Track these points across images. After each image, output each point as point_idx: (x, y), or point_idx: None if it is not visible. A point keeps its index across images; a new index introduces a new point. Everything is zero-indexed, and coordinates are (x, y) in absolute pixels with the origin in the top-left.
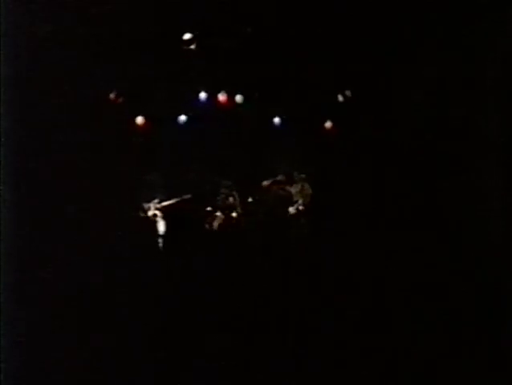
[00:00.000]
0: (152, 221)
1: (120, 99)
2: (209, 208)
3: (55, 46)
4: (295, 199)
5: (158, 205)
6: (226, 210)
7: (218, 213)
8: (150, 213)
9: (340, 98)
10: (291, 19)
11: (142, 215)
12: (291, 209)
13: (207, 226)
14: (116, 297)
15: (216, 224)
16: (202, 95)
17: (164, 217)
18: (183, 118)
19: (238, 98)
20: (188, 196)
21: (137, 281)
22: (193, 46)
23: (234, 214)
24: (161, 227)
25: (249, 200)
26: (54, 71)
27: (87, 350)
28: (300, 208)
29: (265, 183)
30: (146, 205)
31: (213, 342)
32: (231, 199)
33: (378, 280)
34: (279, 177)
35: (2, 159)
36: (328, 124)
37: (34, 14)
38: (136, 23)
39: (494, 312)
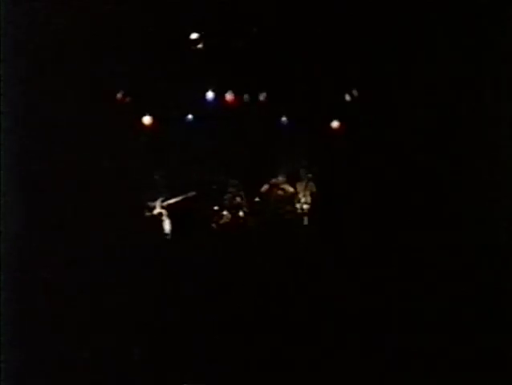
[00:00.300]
0: (158, 220)
1: (127, 99)
2: (216, 208)
3: (62, 46)
4: (299, 197)
5: (163, 204)
6: (233, 209)
7: (225, 212)
8: (155, 212)
9: (347, 97)
10: (298, 20)
11: (148, 214)
12: (296, 207)
13: (214, 225)
14: (120, 297)
15: (223, 223)
16: (209, 95)
17: (169, 216)
18: (190, 117)
19: (245, 97)
20: (193, 193)
21: (142, 281)
22: (199, 46)
23: (241, 213)
24: (167, 226)
25: (256, 199)
26: (61, 71)
27: (87, 349)
28: (304, 206)
29: (263, 188)
30: (151, 204)
31: (218, 340)
32: (238, 198)
33: (378, 279)
34: (275, 180)
35: (4, 159)
36: (335, 124)
37: (41, 14)
38: (143, 23)
39: (494, 312)
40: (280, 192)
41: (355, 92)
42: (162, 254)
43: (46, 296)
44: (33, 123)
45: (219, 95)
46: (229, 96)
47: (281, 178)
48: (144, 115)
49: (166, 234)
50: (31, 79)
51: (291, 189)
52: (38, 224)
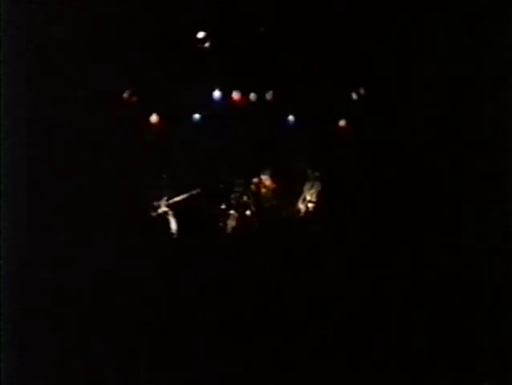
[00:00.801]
0: (164, 219)
1: (134, 98)
2: (223, 207)
3: (70, 46)
4: (304, 195)
5: (168, 202)
6: (240, 208)
7: (232, 212)
8: (160, 211)
9: (354, 96)
10: (305, 19)
11: (153, 214)
12: (301, 206)
13: (221, 224)
14: (122, 297)
15: (230, 222)
16: (216, 94)
17: (175, 215)
18: (197, 116)
19: (252, 96)
20: (197, 190)
21: (145, 281)
22: (206, 45)
23: (248, 212)
24: (173, 224)
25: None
26: (68, 71)
27: (87, 350)
28: (309, 205)
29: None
30: (156, 203)
31: (220, 339)
32: (245, 197)
33: (379, 279)
34: (257, 178)
35: (4, 159)
36: (342, 123)
37: (45, 14)
38: (150, 22)
39: (494, 312)
40: (263, 190)
41: (361, 91)
42: (168, 254)
43: (46, 296)
44: (38, 123)
45: (226, 94)
46: (235, 95)
47: (264, 176)
48: (151, 114)
49: (172, 233)
50: (33, 79)
51: (273, 185)
52: (40, 225)
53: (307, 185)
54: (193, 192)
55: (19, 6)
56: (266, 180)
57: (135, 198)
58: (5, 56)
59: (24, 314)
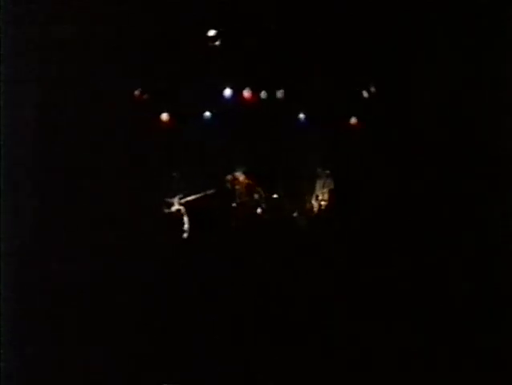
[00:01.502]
0: (177, 217)
1: (145, 96)
2: (234, 204)
3: (81, 44)
4: (317, 194)
5: (181, 200)
6: (250, 206)
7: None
8: (174, 209)
9: (365, 94)
10: (316, 18)
11: (166, 211)
12: (314, 204)
13: (232, 222)
14: (129, 296)
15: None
16: (227, 92)
17: (188, 213)
18: (208, 114)
19: (263, 94)
20: (212, 191)
21: (154, 281)
22: (217, 43)
23: (259, 210)
24: (186, 223)
25: (274, 196)
26: (79, 69)
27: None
28: (322, 203)
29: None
30: (170, 201)
31: (234, 335)
32: (256, 195)
33: (379, 279)
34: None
35: (6, 158)
36: (353, 120)
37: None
38: (160, 21)
39: (494, 312)
40: (238, 187)
41: (372, 90)
42: (180, 252)
43: (47, 296)
44: (39, 123)
45: (237, 92)
46: (246, 93)
47: (238, 173)
48: (162, 112)
49: (184, 231)
50: (33, 79)
51: (246, 181)
52: (43, 224)
53: (319, 183)
54: (208, 191)
55: (19, 6)
56: (239, 176)
57: (146, 197)
58: (5, 56)
59: (24, 314)
